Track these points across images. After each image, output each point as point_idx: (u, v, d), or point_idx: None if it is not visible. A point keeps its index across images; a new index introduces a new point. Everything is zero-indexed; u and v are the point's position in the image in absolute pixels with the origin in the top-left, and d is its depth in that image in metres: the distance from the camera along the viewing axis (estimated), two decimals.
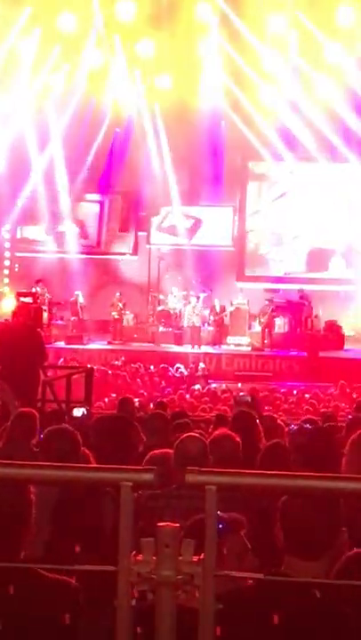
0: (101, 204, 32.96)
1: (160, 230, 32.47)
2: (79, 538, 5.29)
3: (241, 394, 14.96)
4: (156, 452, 6.99)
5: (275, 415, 12.40)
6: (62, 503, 5.43)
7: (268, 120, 30.60)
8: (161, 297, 29.82)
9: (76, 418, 11.36)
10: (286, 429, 9.46)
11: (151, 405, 16.54)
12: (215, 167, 32.02)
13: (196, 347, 27.59)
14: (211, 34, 29.67)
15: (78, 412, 12.21)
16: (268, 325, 28.18)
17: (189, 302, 28.76)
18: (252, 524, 5.43)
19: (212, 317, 28.52)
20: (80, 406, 12.93)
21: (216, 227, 32.38)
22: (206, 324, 28.77)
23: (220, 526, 3.94)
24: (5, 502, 3.69)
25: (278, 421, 10.38)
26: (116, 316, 28.91)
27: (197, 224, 32.44)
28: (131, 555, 2.90)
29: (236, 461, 7.07)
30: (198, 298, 28.86)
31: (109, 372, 24.29)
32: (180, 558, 2.89)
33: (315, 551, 3.52)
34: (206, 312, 28.86)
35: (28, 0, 28.57)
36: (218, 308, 28.69)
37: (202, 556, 2.90)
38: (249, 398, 12.73)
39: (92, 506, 5.55)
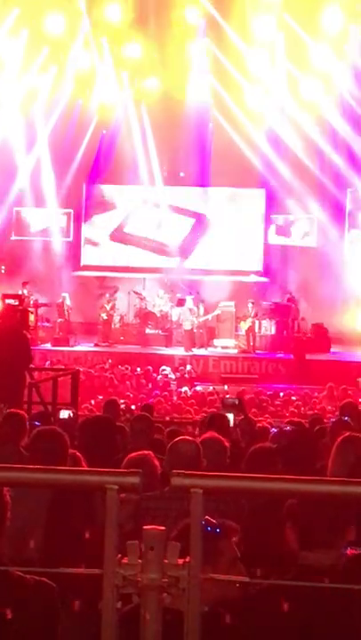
0: (87, 205, 32.95)
1: None
2: (71, 539, 5.29)
3: (228, 396, 14.94)
4: (133, 454, 6.98)
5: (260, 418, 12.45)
6: (55, 505, 5.43)
7: (255, 123, 30.67)
8: (148, 299, 29.75)
9: (62, 420, 11.35)
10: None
11: (133, 407, 16.57)
12: (202, 169, 32.08)
13: (189, 350, 27.52)
14: (198, 36, 29.68)
15: (64, 414, 12.20)
16: (252, 328, 28.18)
17: (183, 305, 28.70)
18: (244, 532, 5.45)
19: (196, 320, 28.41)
20: (66, 408, 12.92)
21: None
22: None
23: (217, 530, 3.96)
24: None
25: (264, 424, 10.38)
26: (105, 318, 28.87)
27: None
28: (116, 558, 2.90)
29: (223, 464, 7.08)
30: (199, 302, 28.80)
31: (95, 374, 24.30)
32: (166, 561, 2.89)
33: (326, 543, 3.56)
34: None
35: (15, 1, 28.55)
36: (202, 311, 28.63)
37: (187, 559, 2.91)
38: (236, 401, 12.72)
39: (84, 506, 5.55)
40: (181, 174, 32.59)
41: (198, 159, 31.96)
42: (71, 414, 12.17)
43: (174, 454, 6.53)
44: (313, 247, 31.67)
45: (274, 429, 10.08)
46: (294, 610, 3.37)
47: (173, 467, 6.25)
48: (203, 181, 32.46)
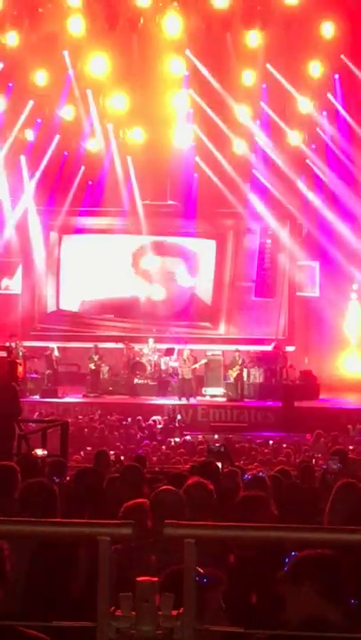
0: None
1: None
2: (55, 591, 5.24)
3: (214, 444, 14.87)
4: (130, 502, 6.93)
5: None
6: (38, 557, 5.38)
7: (240, 172, 30.85)
8: (136, 348, 29.72)
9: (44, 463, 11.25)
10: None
11: (122, 458, 16.48)
12: (187, 219, 32.20)
13: (185, 399, 27.40)
14: (182, 87, 29.86)
15: (39, 452, 12.11)
16: (240, 376, 28.16)
17: (172, 354, 28.79)
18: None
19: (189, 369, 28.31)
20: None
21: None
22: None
23: (205, 580, 3.90)
24: None
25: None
26: (93, 368, 28.79)
27: None
28: (109, 610, 2.86)
29: (210, 509, 7.03)
30: (183, 350, 28.74)
31: (85, 424, 24.18)
32: (160, 613, 2.85)
33: None
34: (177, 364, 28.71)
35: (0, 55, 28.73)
36: (191, 360, 28.55)
37: (181, 610, 2.87)
38: (222, 448, 12.69)
39: (69, 558, 5.50)
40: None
41: (184, 209, 32.05)
42: (45, 453, 12.08)
43: (157, 505, 6.49)
44: (314, 296, 31.73)
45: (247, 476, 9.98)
46: None
47: (156, 517, 6.22)
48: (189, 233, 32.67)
